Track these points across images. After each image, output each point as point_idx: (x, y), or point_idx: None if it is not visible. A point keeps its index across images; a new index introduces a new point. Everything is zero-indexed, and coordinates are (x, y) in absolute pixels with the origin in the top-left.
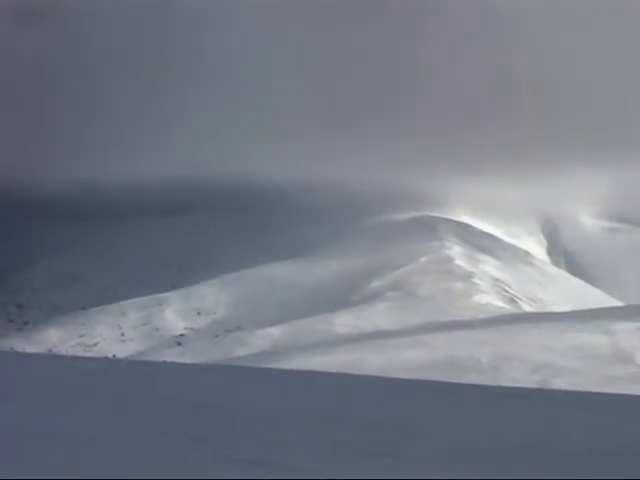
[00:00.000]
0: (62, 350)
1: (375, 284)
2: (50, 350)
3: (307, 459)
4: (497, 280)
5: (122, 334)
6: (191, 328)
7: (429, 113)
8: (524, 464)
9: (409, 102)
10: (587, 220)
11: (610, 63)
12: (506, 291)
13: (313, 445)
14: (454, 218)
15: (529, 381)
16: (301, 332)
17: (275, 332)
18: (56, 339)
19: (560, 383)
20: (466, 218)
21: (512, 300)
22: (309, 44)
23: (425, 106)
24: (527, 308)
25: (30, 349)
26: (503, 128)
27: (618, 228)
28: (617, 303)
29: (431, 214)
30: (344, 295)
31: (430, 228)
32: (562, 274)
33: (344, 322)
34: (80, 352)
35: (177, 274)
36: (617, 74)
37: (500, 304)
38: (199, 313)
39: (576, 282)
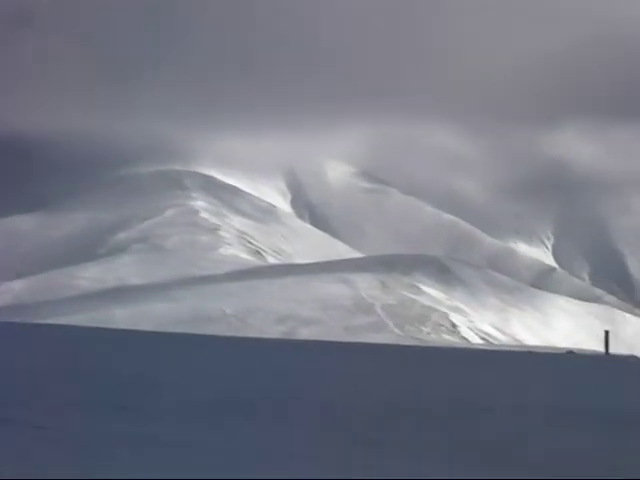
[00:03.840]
0: None
1: (121, 237)
2: None
3: (41, 413)
4: (242, 233)
5: None
6: None
7: (185, 70)
8: (280, 411)
9: (165, 59)
10: (334, 175)
11: (384, 27)
12: (251, 244)
13: (46, 399)
14: (200, 171)
15: (274, 332)
16: (45, 286)
17: (17, 286)
18: None
19: (304, 333)
20: (212, 172)
21: (257, 252)
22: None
23: (181, 62)
24: (272, 260)
25: None
26: (255, 85)
27: (369, 187)
28: (359, 255)
29: (177, 167)
30: (89, 248)
31: (176, 181)
32: (306, 227)
33: (90, 276)
34: None
35: None
36: (394, 38)
37: (245, 256)
38: None
39: (320, 235)
